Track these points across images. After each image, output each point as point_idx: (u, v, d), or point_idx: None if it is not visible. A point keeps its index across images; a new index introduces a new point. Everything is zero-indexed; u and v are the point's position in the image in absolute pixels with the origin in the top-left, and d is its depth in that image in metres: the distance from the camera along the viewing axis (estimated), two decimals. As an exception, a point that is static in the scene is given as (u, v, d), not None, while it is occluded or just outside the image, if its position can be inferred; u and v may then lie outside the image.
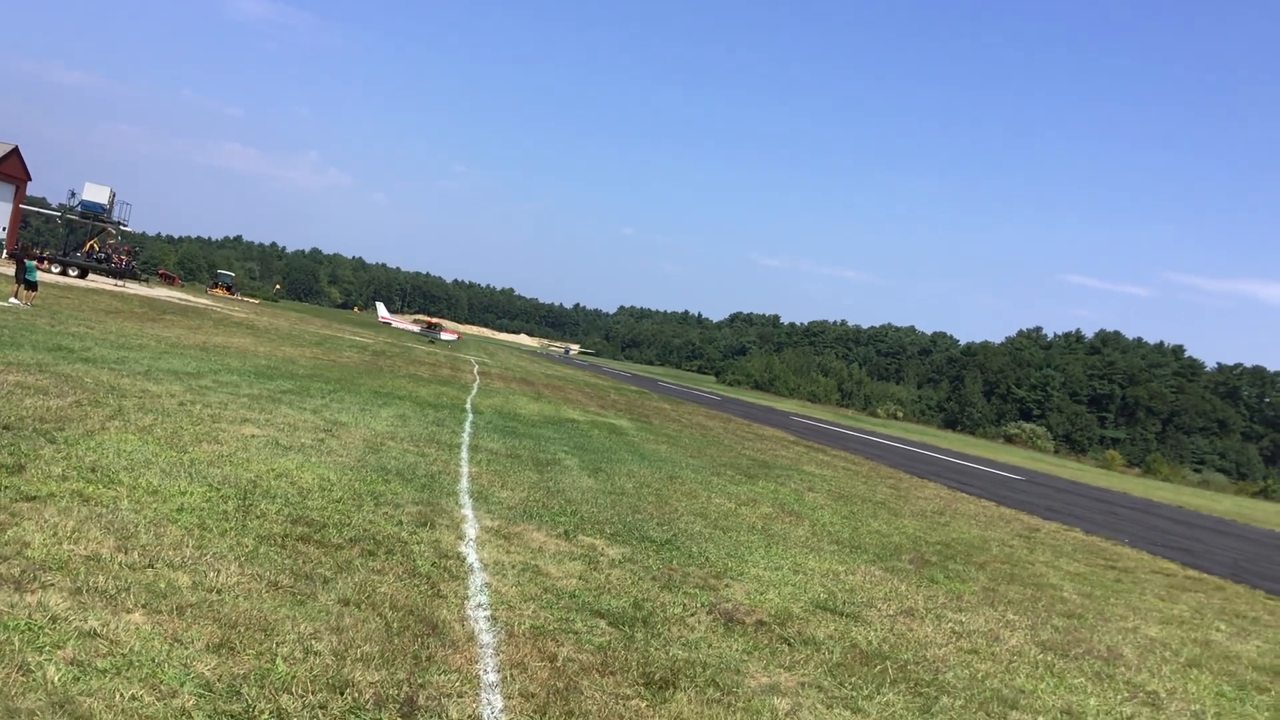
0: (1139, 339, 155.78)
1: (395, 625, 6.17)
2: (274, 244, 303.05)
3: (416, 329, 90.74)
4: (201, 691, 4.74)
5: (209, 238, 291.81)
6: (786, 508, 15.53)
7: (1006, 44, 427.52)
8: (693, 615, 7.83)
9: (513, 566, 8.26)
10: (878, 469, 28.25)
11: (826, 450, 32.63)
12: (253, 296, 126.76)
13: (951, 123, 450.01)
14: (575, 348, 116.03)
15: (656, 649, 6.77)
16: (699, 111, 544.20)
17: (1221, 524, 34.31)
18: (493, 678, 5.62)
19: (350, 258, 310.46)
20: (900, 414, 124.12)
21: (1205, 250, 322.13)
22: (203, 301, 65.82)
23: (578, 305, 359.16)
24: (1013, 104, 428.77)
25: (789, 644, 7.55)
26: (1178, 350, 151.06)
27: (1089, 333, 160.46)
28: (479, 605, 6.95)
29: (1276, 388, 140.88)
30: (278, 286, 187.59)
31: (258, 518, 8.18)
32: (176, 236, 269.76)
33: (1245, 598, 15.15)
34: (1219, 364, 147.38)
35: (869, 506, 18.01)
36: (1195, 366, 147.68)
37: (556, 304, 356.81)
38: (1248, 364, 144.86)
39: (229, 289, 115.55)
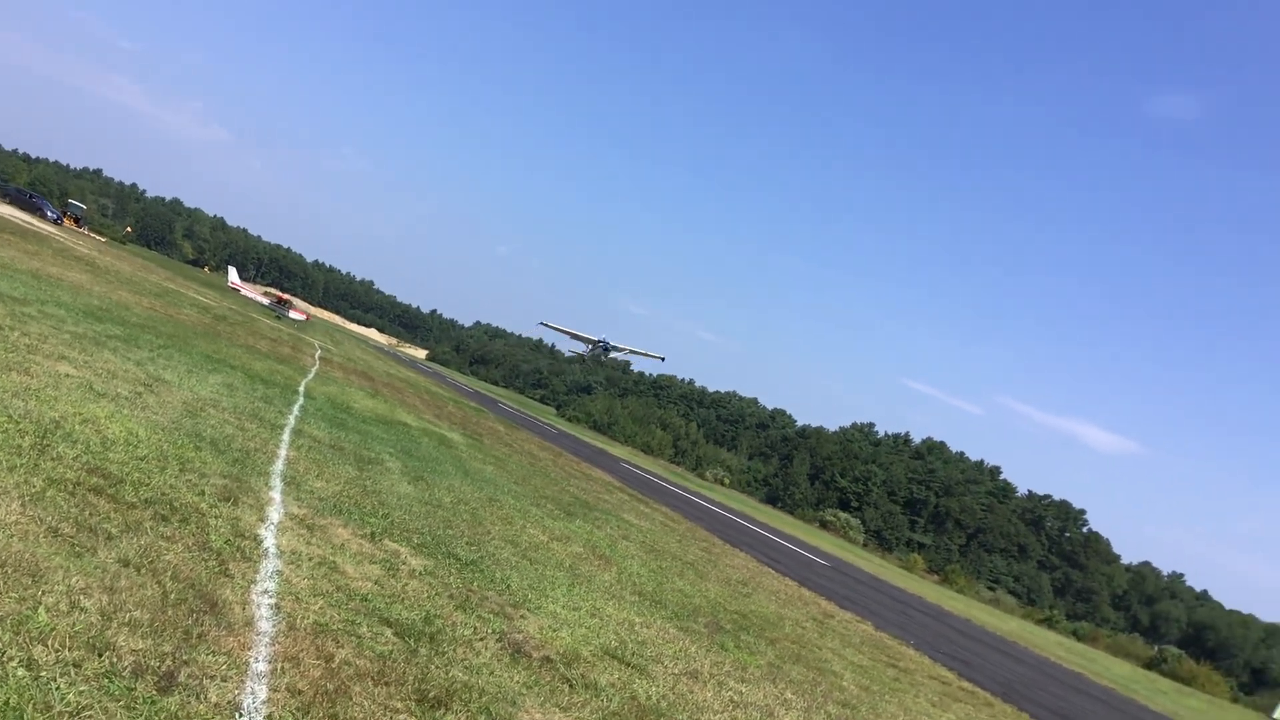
0: (961, 453, 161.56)
1: (172, 596, 5.95)
2: (134, 185, 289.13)
3: (265, 301, 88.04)
4: (-51, 628, 4.48)
5: (67, 165, 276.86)
6: (598, 551, 15.57)
7: (903, 150, 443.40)
8: (481, 640, 7.78)
9: (310, 559, 8.07)
10: (694, 530, 28.59)
11: (649, 502, 32.88)
12: (100, 233, 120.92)
13: (828, 212, 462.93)
14: (625, 346, 63.62)
15: (437, 667, 6.69)
16: (596, 147, 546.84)
17: (1003, 643, 35.79)
18: (262, 667, 5.48)
19: (211, 215, 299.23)
20: (727, 480, 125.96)
21: (1041, 385, 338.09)
22: (46, 228, 62.62)
23: (434, 311, 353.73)
24: (890, 206, 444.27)
25: (570, 685, 7.57)
26: (994, 471, 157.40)
27: (917, 438, 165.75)
28: (265, 592, 6.77)
29: (1077, 524, 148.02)
30: (128, 229, 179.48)
31: (53, 459, 7.81)
32: (34, 156, 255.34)
33: (1010, 717, 15.83)
34: (1030, 491, 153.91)
35: (678, 565, 18.20)
36: (1008, 489, 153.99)
37: (414, 305, 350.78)
38: (1056, 497, 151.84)
39: (77, 220, 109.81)
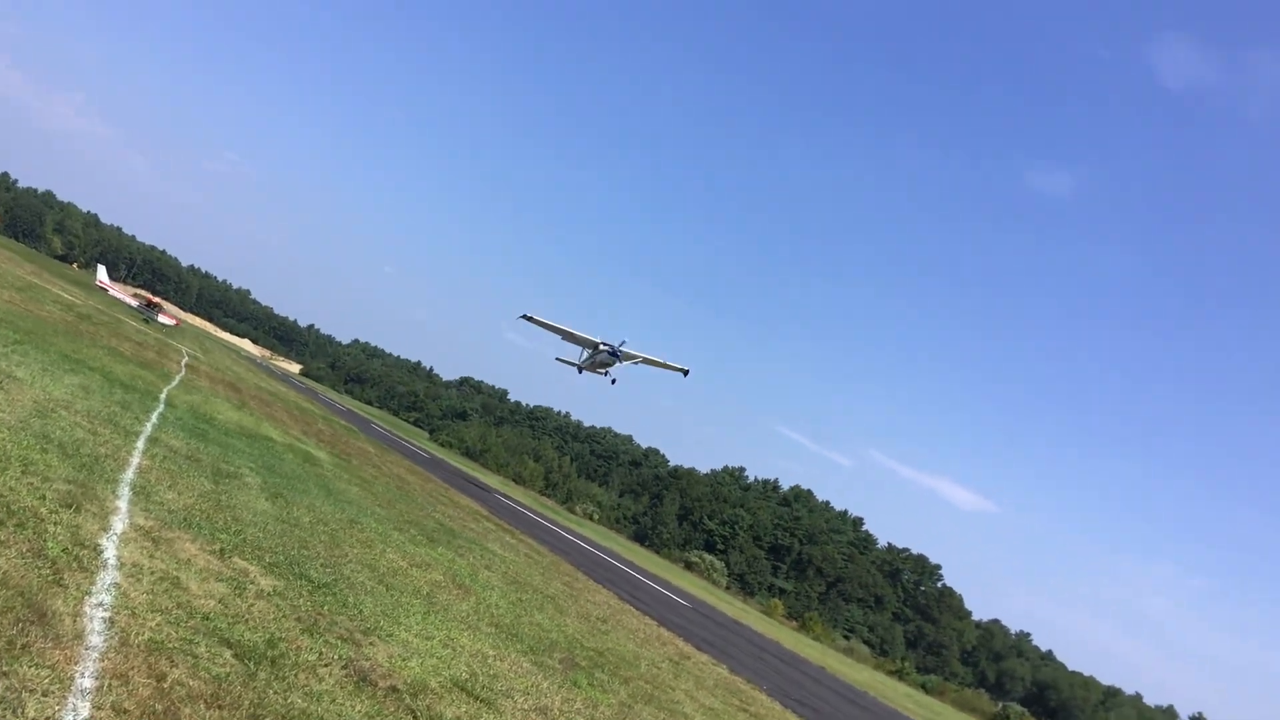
0: (827, 502, 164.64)
1: (-1, 604, 5.68)
2: (5, 174, 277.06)
3: (134, 303, 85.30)
4: None
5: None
6: (458, 580, 15.38)
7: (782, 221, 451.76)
8: (326, 666, 7.59)
9: (151, 573, 7.78)
10: (559, 563, 28.46)
11: (515, 533, 32.63)
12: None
13: (715, 258, 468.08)
14: (638, 354, 49.27)
15: (276, 693, 6.50)
16: (486, 174, 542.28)
17: (854, 692, 36.40)
18: (88, 683, 5.25)
19: (85, 211, 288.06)
20: (596, 516, 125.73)
21: (909, 441, 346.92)
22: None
23: (312, 326, 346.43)
24: (775, 262, 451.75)
25: (414, 716, 7.43)
26: (857, 522, 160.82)
27: (786, 485, 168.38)
28: (99, 605, 6.50)
29: (933, 578, 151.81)
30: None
31: (-120, 453, 7.41)
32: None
33: (853, 765, 16.08)
34: (890, 544, 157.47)
35: (538, 598, 18.08)
36: (869, 541, 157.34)
37: (291, 318, 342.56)
38: (914, 551, 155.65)
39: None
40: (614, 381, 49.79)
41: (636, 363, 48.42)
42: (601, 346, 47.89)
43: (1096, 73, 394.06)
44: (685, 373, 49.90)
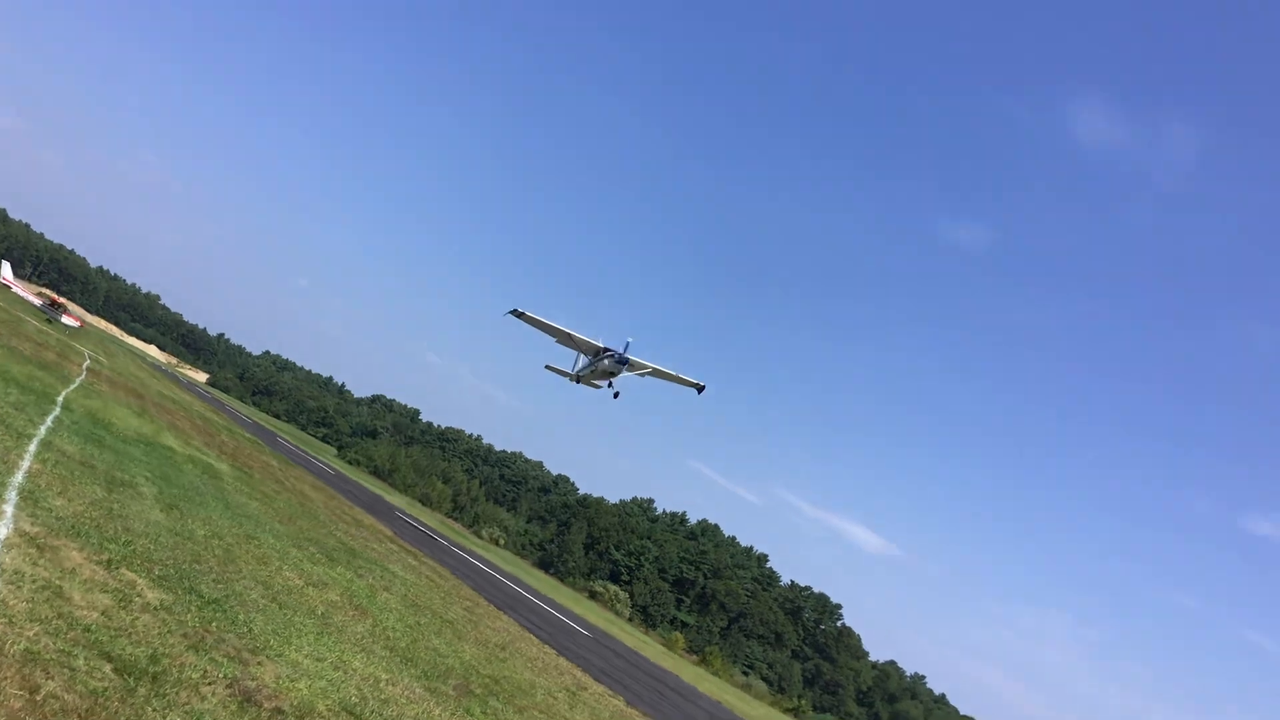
0: (733, 537, 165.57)
1: None
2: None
3: (37, 303, 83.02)
4: None
5: None
6: (355, 600, 15.15)
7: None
8: (210, 684, 7.43)
9: (33, 581, 7.55)
10: (460, 588, 28.17)
11: (418, 555, 32.23)
12: None
13: (643, 296, 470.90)
14: (648, 364, 41.44)
15: (154, 710, 6.35)
16: (404, 185, 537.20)
17: (750, 728, 36.46)
18: (-44, 694, 5.09)
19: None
20: (502, 541, 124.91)
21: (813, 481, 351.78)
22: None
23: (222, 335, 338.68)
24: (700, 303, 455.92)
25: (299, 738, 7.30)
26: (762, 558, 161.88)
27: (694, 518, 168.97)
28: (-25, 612, 6.31)
29: (833, 617, 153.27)
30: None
31: None
32: None
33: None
34: (792, 581, 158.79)
35: (437, 622, 17.87)
36: (772, 578, 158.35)
37: (200, 327, 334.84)
38: (816, 589, 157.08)
39: None
40: (617, 395, 43.24)
41: (644, 373, 42.12)
42: (605, 352, 41.40)
43: (1014, 130, 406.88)
44: (701, 389, 43.41)
